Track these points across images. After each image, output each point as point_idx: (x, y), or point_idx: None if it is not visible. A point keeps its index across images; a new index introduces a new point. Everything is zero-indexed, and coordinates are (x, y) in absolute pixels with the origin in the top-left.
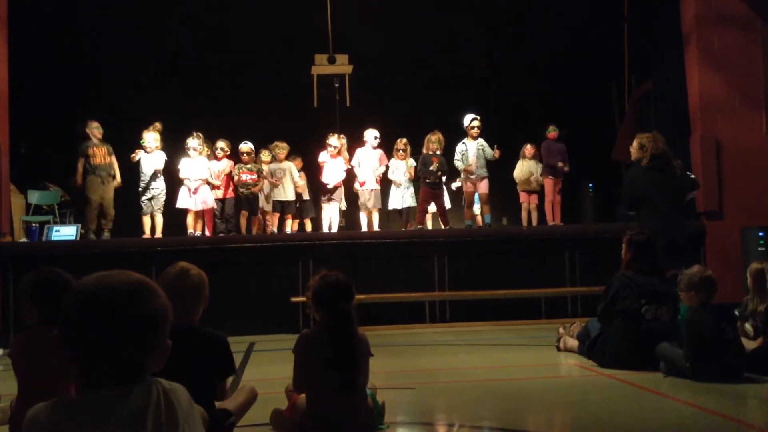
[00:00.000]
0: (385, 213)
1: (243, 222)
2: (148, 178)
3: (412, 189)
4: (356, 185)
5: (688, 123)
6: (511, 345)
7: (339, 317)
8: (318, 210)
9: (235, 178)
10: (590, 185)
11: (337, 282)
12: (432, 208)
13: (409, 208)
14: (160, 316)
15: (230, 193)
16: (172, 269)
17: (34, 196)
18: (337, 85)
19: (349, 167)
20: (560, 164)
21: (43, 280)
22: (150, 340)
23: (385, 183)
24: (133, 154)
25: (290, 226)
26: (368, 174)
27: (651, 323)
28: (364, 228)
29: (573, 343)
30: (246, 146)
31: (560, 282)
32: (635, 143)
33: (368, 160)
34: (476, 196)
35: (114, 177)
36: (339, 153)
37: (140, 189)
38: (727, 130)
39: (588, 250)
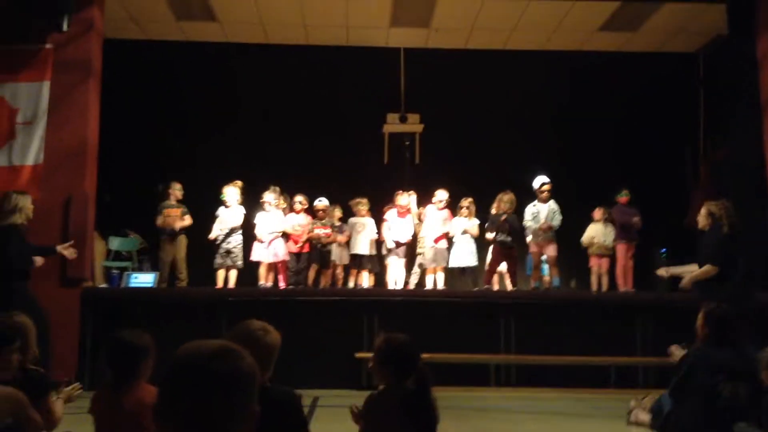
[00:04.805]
0: (449, 271)
1: (312, 274)
2: (225, 234)
3: (475, 248)
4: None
5: (766, 191)
6: (579, 415)
7: (415, 380)
8: (382, 266)
9: (310, 233)
10: (663, 251)
11: (404, 344)
12: (502, 267)
13: (473, 268)
14: (245, 377)
15: (306, 248)
16: (249, 324)
17: (115, 243)
18: (407, 143)
19: (417, 222)
20: (635, 219)
21: (121, 343)
22: (234, 401)
23: (450, 242)
24: (211, 235)
25: (368, 279)
26: (434, 232)
27: (728, 401)
28: (429, 286)
29: (645, 417)
30: (321, 203)
31: (631, 351)
32: (704, 211)
33: (434, 218)
34: (543, 258)
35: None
36: (408, 211)
37: (217, 243)
38: None
39: (661, 319)
